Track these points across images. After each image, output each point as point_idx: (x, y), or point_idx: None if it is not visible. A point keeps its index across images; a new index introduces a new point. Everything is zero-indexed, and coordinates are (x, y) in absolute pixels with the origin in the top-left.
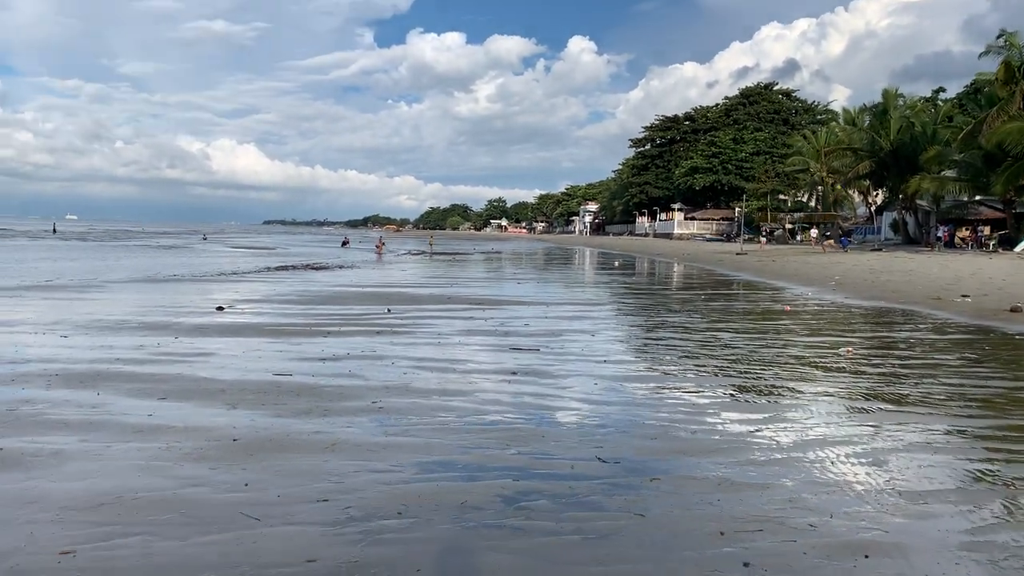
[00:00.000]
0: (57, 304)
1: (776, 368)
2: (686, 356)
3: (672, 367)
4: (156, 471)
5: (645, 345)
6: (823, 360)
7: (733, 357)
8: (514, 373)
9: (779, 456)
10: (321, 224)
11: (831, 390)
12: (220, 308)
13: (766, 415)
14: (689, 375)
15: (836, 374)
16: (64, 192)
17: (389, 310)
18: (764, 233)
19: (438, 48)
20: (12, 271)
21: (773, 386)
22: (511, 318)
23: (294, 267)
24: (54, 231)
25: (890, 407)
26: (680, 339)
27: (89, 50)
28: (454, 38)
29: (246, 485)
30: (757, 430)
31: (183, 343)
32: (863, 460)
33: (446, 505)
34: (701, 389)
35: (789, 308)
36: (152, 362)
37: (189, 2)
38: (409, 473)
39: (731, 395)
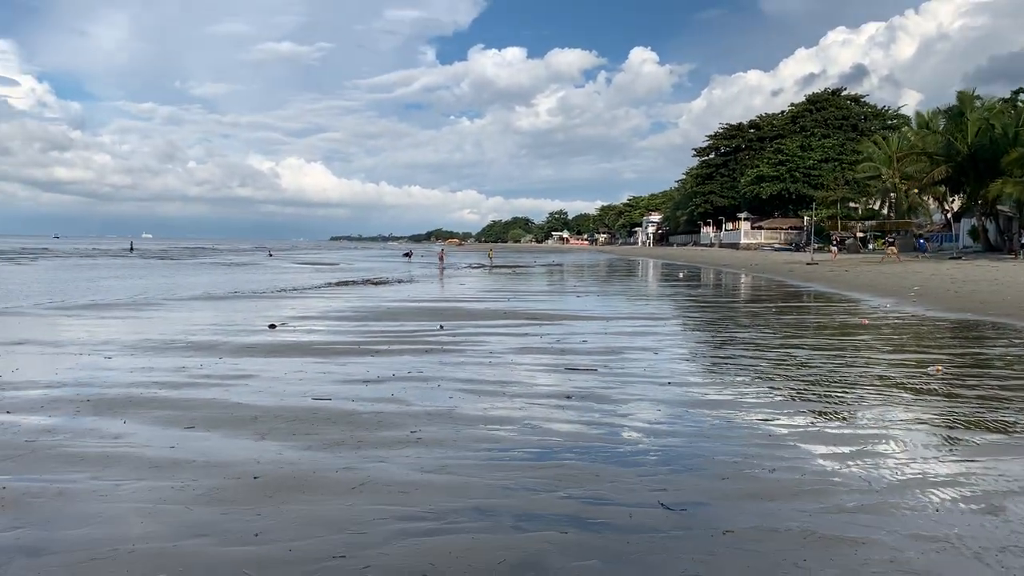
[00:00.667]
0: (112, 323)
1: (859, 390)
2: (759, 377)
3: (744, 390)
4: (162, 516)
5: (713, 364)
6: (911, 381)
7: (811, 378)
8: (568, 397)
9: (872, 501)
10: (386, 239)
11: (924, 416)
12: (272, 326)
13: (853, 448)
14: (763, 400)
15: (928, 397)
16: (140, 211)
17: (442, 326)
18: (835, 242)
19: (499, 64)
20: (83, 290)
21: (858, 412)
22: (568, 334)
23: (354, 282)
24: (131, 249)
25: (996, 438)
26: (751, 357)
27: (163, 73)
28: (515, 53)
29: (256, 536)
30: (844, 467)
31: (226, 364)
32: (974, 506)
33: (480, 565)
34: (777, 416)
35: (867, 321)
36: (189, 386)
37: (258, 25)
38: (442, 521)
39: (811, 423)
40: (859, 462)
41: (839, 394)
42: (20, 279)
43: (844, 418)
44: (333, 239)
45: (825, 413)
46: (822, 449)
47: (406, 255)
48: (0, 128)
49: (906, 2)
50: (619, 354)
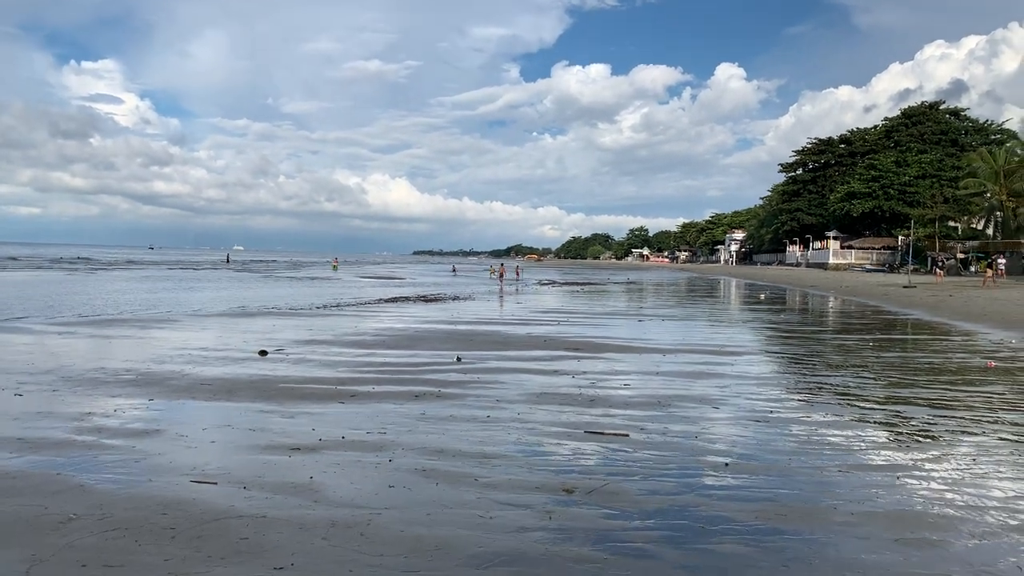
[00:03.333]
0: (90, 343)
1: (1016, 479)
2: (863, 457)
3: (838, 480)
4: None
5: (794, 431)
6: None
7: (937, 457)
8: (570, 492)
9: None
10: (467, 254)
11: None
12: (263, 352)
13: None
14: (868, 505)
15: None
16: (232, 224)
17: (459, 358)
18: (939, 263)
19: (583, 80)
20: (131, 302)
21: None
22: (609, 373)
23: (406, 299)
24: (227, 261)
25: None
26: (848, 419)
27: (256, 91)
28: (599, 70)
29: None
30: None
31: (144, 411)
32: None
33: None
34: (901, 544)
35: (993, 363)
36: (54, 447)
37: (347, 44)
38: None
39: (960, 561)
40: None
41: (990, 493)
42: (70, 290)
43: (1014, 553)
44: (416, 253)
45: (973, 533)
46: None
47: (453, 270)
48: (106, 144)
49: (1010, 14)
50: (666, 407)
